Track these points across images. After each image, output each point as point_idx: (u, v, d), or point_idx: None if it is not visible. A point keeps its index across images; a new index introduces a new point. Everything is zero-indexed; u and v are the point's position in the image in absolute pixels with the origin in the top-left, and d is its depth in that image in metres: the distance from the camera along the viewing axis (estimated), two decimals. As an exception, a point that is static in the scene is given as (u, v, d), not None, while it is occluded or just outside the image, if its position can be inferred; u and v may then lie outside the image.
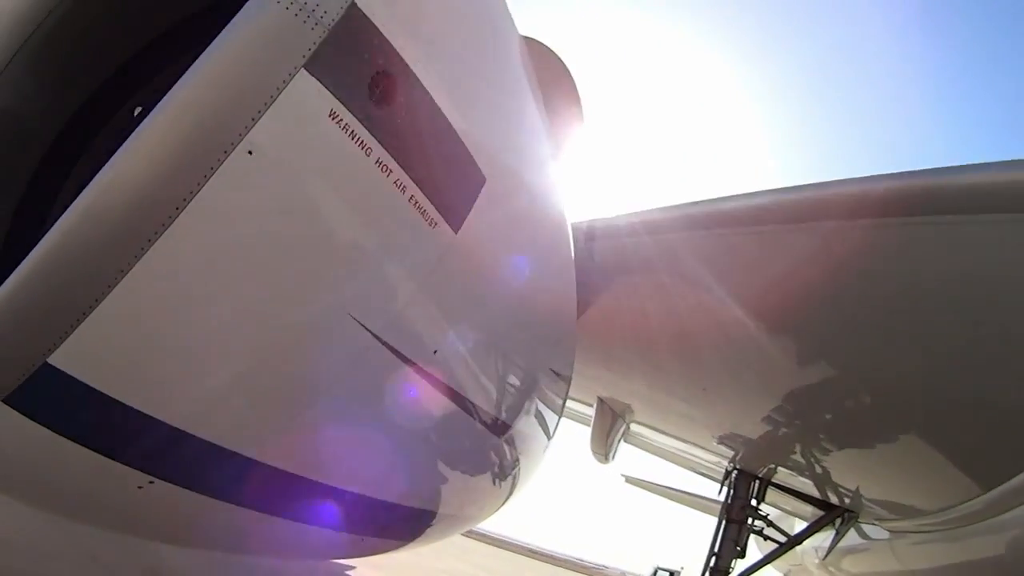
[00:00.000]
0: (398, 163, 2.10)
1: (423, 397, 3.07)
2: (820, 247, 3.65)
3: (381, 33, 2.00)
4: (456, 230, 2.41)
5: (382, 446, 3.14)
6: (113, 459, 2.07)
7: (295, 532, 3.48)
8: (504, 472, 4.87)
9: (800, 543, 7.56)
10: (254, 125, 1.76)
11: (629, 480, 16.49)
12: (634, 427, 7.38)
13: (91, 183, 1.69)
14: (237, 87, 1.76)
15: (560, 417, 5.45)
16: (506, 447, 4.48)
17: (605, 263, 4.93)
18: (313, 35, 1.83)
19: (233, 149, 1.74)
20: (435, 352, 2.81)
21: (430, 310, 2.61)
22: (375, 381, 2.68)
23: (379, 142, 2.04)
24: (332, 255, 2.16)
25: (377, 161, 2.05)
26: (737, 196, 4.09)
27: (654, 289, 4.91)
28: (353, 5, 1.91)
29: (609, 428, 6.78)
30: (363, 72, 1.98)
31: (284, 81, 1.80)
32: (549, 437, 5.37)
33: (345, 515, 3.45)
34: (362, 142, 1.99)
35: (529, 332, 3.83)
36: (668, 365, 5.40)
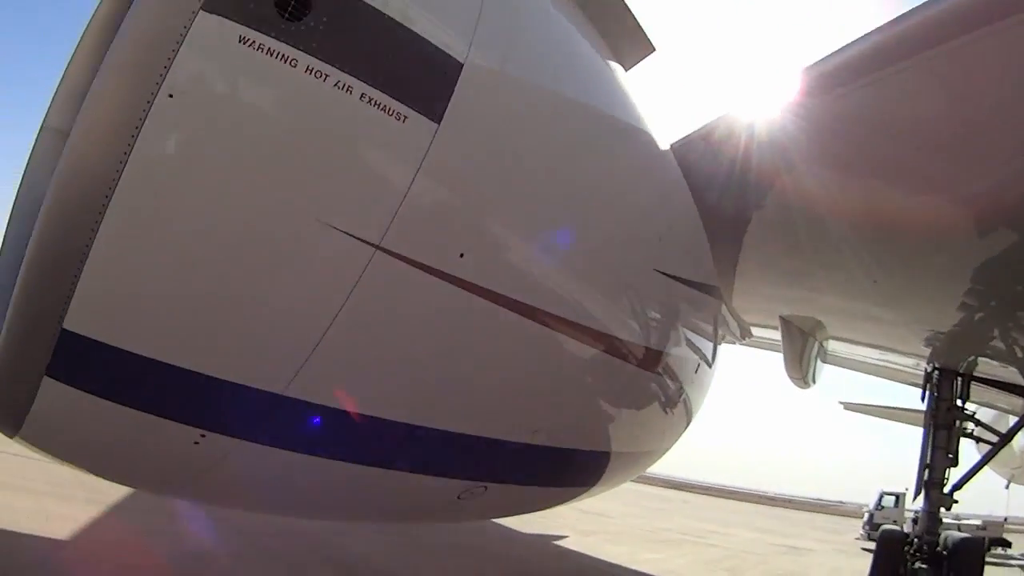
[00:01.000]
0: (341, 68, 2.14)
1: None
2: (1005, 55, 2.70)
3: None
4: (436, 121, 2.35)
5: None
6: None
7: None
8: (669, 403, 4.70)
9: (1012, 438, 6.63)
10: (167, 73, 1.95)
11: (847, 406, 16.75)
12: (828, 344, 6.66)
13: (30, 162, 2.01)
14: (145, 41, 1.96)
15: (716, 343, 5.17)
16: (664, 378, 4.33)
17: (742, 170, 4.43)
18: None
19: (155, 98, 1.94)
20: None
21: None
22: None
23: (312, 48, 2.10)
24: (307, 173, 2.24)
25: (308, 69, 2.10)
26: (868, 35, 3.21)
27: (809, 183, 4.24)
28: None
29: (801, 349, 6.06)
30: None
31: (190, 21, 1.96)
32: (709, 363, 5.09)
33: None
34: (285, 56, 2.06)
35: (648, 251, 3.65)
36: (843, 263, 4.67)
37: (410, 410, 2.83)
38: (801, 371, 6.09)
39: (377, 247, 2.32)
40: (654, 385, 4.26)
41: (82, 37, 2.56)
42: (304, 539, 5.85)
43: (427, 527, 7.02)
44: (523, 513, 5.86)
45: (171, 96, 1.97)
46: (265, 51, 2.05)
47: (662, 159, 3.72)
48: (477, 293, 2.63)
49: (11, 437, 2.41)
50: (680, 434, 5.31)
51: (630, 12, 3.73)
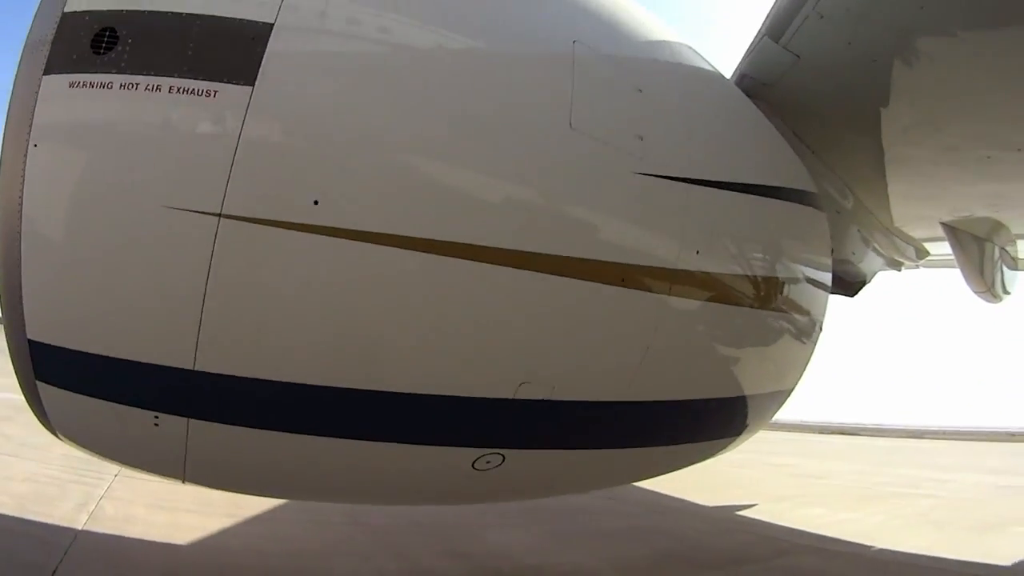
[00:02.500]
0: (147, 74, 2.54)
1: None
2: None
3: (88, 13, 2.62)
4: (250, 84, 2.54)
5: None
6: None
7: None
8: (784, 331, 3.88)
9: None
10: (31, 127, 2.59)
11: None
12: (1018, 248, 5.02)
13: None
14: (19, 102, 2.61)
15: (829, 257, 4.26)
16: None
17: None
18: (43, 53, 2.60)
19: (27, 146, 2.58)
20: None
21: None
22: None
23: (123, 69, 2.55)
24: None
25: (122, 85, 2.54)
26: None
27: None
28: (61, 17, 2.60)
29: (979, 257, 4.77)
30: (82, 47, 2.58)
31: (39, 86, 2.60)
32: (813, 280, 4.14)
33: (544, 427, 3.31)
34: (103, 83, 2.56)
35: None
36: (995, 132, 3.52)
37: (333, 372, 2.82)
38: (984, 283, 4.50)
39: (220, 215, 2.54)
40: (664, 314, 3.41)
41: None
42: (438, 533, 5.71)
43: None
44: (598, 485, 4.96)
45: (36, 146, 2.58)
46: (88, 85, 2.56)
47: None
48: (341, 236, 2.61)
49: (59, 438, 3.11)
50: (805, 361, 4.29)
51: None
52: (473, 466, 3.23)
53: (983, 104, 3.88)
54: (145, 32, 2.61)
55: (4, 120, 2.69)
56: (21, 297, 2.64)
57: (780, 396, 4.25)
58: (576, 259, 2.93)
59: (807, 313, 3.99)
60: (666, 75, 3.46)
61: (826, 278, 4.17)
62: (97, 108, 2.60)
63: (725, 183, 3.41)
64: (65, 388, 2.82)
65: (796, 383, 4.31)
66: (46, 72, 2.59)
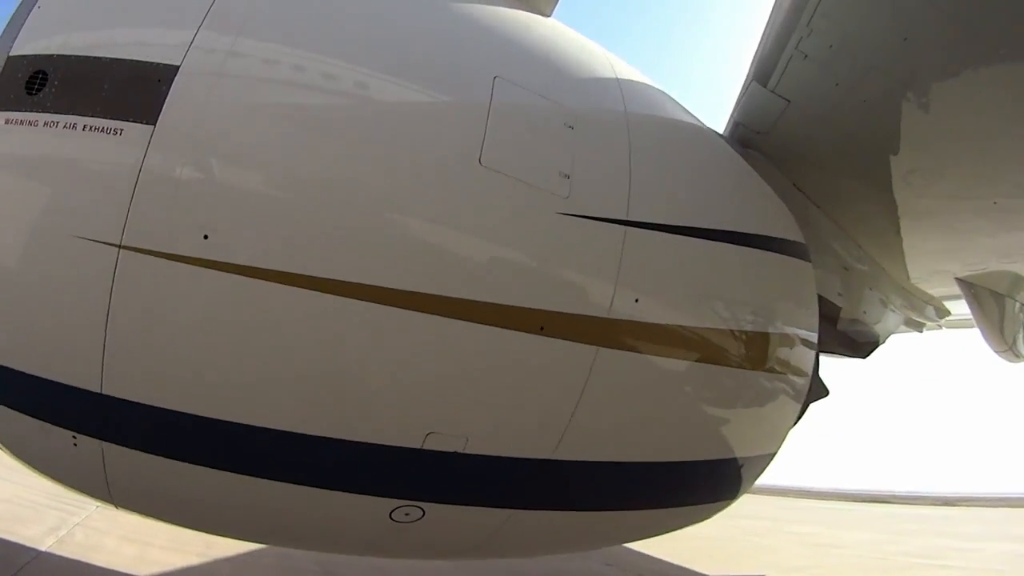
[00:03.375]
0: (66, 113, 2.67)
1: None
2: None
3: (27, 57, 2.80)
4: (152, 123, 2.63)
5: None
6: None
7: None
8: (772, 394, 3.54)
9: None
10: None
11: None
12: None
13: None
14: None
15: (815, 311, 3.87)
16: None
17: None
18: None
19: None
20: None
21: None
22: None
23: (47, 108, 2.69)
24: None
25: (45, 123, 2.67)
26: None
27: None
28: (6, 61, 2.78)
29: (998, 314, 4.55)
30: (18, 87, 2.75)
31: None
32: (811, 346, 3.83)
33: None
34: (30, 121, 2.71)
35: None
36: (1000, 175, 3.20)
37: (227, 407, 2.77)
38: (1005, 342, 3.94)
39: (120, 246, 2.60)
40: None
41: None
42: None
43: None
44: (539, 550, 4.53)
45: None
46: (18, 122, 2.72)
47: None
48: (230, 271, 2.61)
49: None
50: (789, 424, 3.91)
51: None
52: (391, 517, 3.07)
53: (984, 145, 3.47)
54: (68, 75, 2.76)
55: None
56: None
57: (754, 462, 3.83)
58: (485, 303, 2.78)
59: (783, 372, 3.60)
60: (603, 111, 3.28)
61: (809, 335, 3.76)
62: (24, 143, 2.74)
63: (671, 226, 3.16)
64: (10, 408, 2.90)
65: (774, 448, 3.88)
66: None
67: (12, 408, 2.90)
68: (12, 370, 2.79)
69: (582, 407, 2.99)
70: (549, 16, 3.51)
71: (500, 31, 3.24)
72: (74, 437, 2.83)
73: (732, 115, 3.97)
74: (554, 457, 3.06)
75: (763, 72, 3.68)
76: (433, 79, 2.95)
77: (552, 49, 3.30)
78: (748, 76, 3.80)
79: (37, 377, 2.77)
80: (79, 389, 2.72)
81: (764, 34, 3.73)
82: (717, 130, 3.91)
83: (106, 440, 2.83)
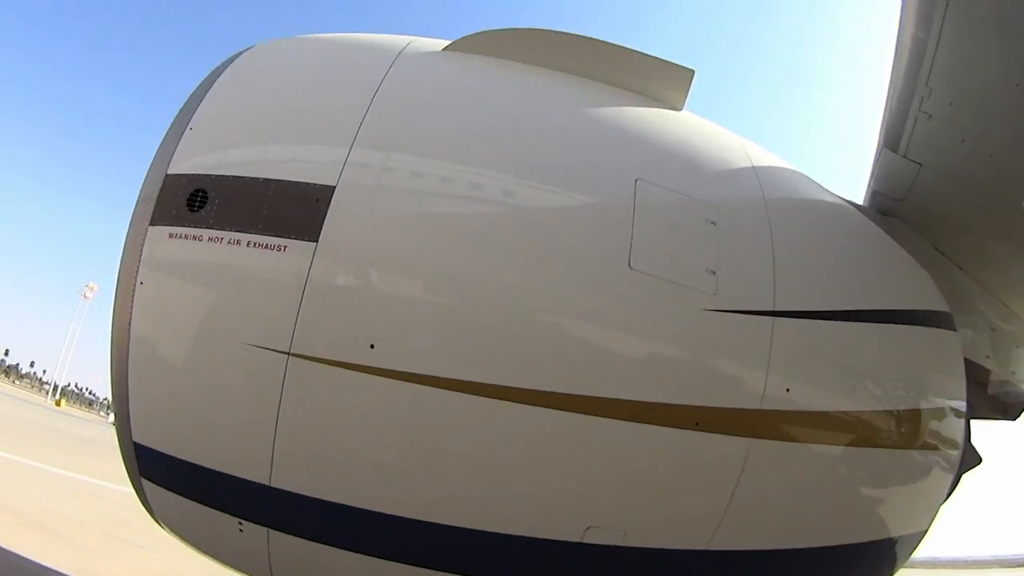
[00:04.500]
0: (230, 230, 2.83)
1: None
2: None
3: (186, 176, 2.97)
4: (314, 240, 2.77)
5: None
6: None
7: None
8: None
9: None
10: (139, 268, 2.93)
11: None
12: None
13: None
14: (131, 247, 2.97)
15: (962, 379, 3.63)
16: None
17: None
18: (149, 206, 2.97)
19: (135, 285, 2.91)
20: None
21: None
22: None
23: (211, 225, 2.86)
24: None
25: (210, 239, 2.84)
26: None
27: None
28: (164, 179, 2.98)
29: None
30: (179, 204, 2.93)
31: (145, 234, 2.94)
32: (962, 415, 3.62)
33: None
34: (195, 236, 2.86)
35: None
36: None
37: (393, 502, 2.87)
38: None
39: (288, 353, 2.74)
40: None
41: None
42: None
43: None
44: None
45: (142, 283, 2.93)
46: (182, 236, 2.89)
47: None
48: (395, 378, 2.70)
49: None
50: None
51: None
52: None
53: None
54: (228, 194, 2.92)
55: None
56: (128, 406, 3.00)
57: (908, 540, 3.67)
58: (642, 403, 2.77)
59: (934, 445, 3.44)
60: (743, 202, 3.23)
61: (959, 404, 3.58)
62: (190, 256, 2.90)
63: (819, 312, 3.09)
64: (164, 486, 3.13)
65: (927, 524, 3.70)
66: (151, 223, 2.96)
67: (182, 495, 3.08)
68: (185, 462, 2.96)
69: (737, 498, 2.94)
70: (681, 110, 3.51)
71: (637, 132, 3.26)
72: (240, 524, 2.99)
73: (869, 184, 3.86)
74: (710, 548, 3.02)
75: (892, 138, 3.58)
76: (578, 185, 2.98)
77: (687, 144, 3.31)
78: (879, 143, 3.68)
79: (209, 469, 2.93)
80: (249, 481, 2.88)
81: (887, 99, 3.61)
82: (855, 201, 3.79)
83: (272, 528, 2.98)
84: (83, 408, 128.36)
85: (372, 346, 2.71)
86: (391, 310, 2.77)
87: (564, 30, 3.44)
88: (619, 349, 2.82)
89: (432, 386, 2.71)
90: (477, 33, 3.42)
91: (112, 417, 3.35)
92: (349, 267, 2.80)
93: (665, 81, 3.44)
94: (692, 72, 3.45)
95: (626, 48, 3.42)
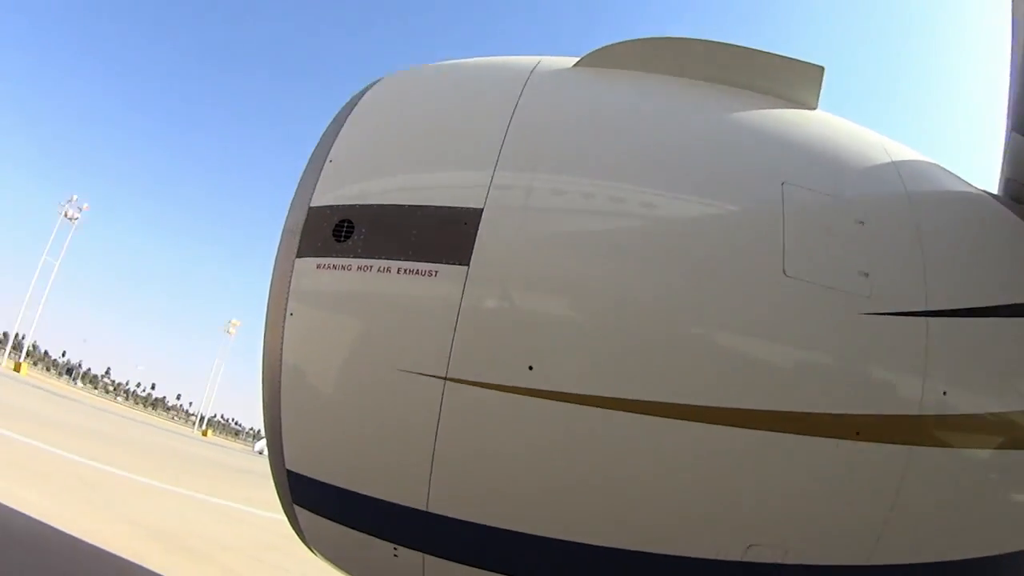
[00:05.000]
0: (379, 257, 2.88)
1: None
2: None
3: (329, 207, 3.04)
4: (465, 264, 2.80)
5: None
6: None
7: None
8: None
9: None
10: (288, 299, 2.99)
11: None
12: None
13: None
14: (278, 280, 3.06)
15: None
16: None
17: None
18: (295, 239, 3.05)
19: (285, 316, 2.98)
20: None
21: None
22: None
23: (358, 254, 2.92)
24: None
25: (358, 267, 2.89)
26: None
27: None
28: (308, 212, 3.05)
29: None
30: (325, 235, 2.99)
31: (292, 267, 3.02)
32: None
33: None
34: (343, 265, 2.92)
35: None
36: None
37: (548, 524, 2.86)
38: None
39: (445, 379, 2.76)
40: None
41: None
42: None
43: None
44: None
45: (292, 314, 2.99)
46: (330, 267, 2.95)
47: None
48: (554, 399, 2.70)
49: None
50: None
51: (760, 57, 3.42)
52: None
53: None
54: (375, 222, 2.98)
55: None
56: (281, 435, 3.06)
57: None
58: (803, 414, 2.71)
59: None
60: (888, 199, 3.16)
61: None
62: (339, 286, 2.95)
63: (970, 309, 3.00)
64: (316, 513, 3.17)
65: None
66: (298, 255, 3.02)
67: (334, 521, 3.12)
68: (338, 488, 3.00)
69: (897, 509, 2.86)
70: (816, 108, 3.46)
71: (777, 134, 3.21)
72: (395, 549, 3.02)
73: (1001, 171, 3.74)
74: (870, 563, 2.93)
75: (1020, 122, 3.48)
76: (725, 193, 2.95)
77: (828, 143, 3.25)
78: (1007, 127, 3.58)
79: (362, 495, 2.97)
80: (404, 507, 2.90)
81: (1010, 84, 3.52)
82: (989, 190, 3.69)
83: (428, 553, 2.99)
84: (229, 437, 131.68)
85: (531, 367, 2.70)
86: (548, 330, 2.77)
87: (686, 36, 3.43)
88: (778, 359, 2.77)
89: (592, 405, 2.69)
90: (604, 47, 3.44)
91: (258, 446, 3.43)
92: (502, 288, 2.81)
93: (797, 80, 3.39)
94: (822, 69, 3.38)
95: (756, 50, 3.39)
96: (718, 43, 3.40)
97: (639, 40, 3.43)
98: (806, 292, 2.77)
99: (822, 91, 3.40)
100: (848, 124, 3.50)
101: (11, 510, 6.07)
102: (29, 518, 6.03)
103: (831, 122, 3.43)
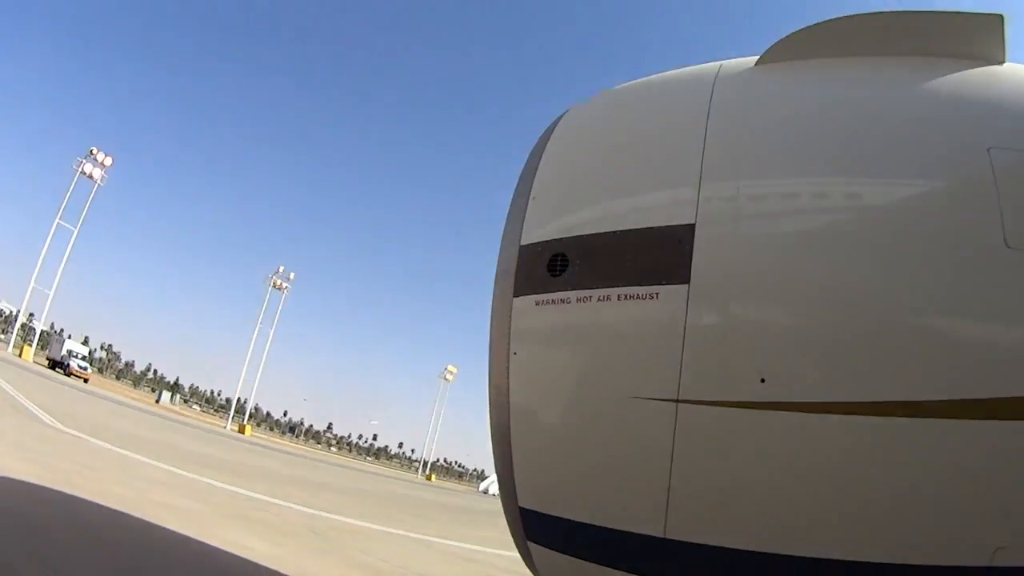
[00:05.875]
0: (597, 287, 3.01)
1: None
2: None
3: (540, 243, 3.20)
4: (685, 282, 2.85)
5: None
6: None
7: None
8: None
9: None
10: (510, 339, 3.19)
11: None
12: None
13: None
14: (498, 321, 3.25)
15: None
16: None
17: None
18: (510, 279, 3.25)
19: (509, 356, 3.18)
20: None
21: None
22: None
23: (576, 286, 3.06)
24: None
25: (577, 299, 3.04)
26: None
27: None
28: (519, 250, 3.23)
29: None
30: (540, 271, 3.17)
31: (511, 307, 3.21)
32: None
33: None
34: (562, 299, 3.08)
35: None
36: None
37: (794, 541, 2.83)
38: None
39: (677, 401, 2.84)
40: None
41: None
42: None
43: None
44: None
45: (515, 354, 3.19)
46: (549, 302, 3.10)
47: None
48: (788, 409, 2.70)
49: None
50: None
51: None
52: None
53: None
54: (588, 252, 3.09)
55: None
56: (513, 473, 3.21)
57: None
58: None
59: None
60: None
61: None
62: (560, 320, 3.10)
63: None
64: (550, 547, 3.30)
65: None
66: (515, 295, 3.20)
67: (569, 554, 3.21)
68: (572, 521, 3.11)
69: None
70: (1004, 62, 3.22)
71: (971, 98, 3.05)
72: None
73: None
74: None
75: None
76: (931, 171, 2.86)
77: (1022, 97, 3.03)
78: None
79: (598, 526, 3.05)
80: (642, 535, 2.94)
81: None
82: None
83: None
84: (454, 480, 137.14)
85: (763, 380, 2.70)
86: (776, 339, 2.76)
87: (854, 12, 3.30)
88: (1017, 343, 2.64)
89: (831, 412, 2.66)
90: (781, 42, 3.38)
91: (482, 485, 3.62)
92: (724, 302, 2.84)
93: (978, 36, 3.18)
94: (1001, 17, 3.14)
95: (930, 12, 3.22)
96: (889, 13, 3.26)
97: (813, 27, 3.34)
98: None
99: (1007, 42, 3.15)
100: None
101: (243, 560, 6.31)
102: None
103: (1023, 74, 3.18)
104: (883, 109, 3.09)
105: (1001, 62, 3.20)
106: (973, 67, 3.17)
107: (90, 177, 59.60)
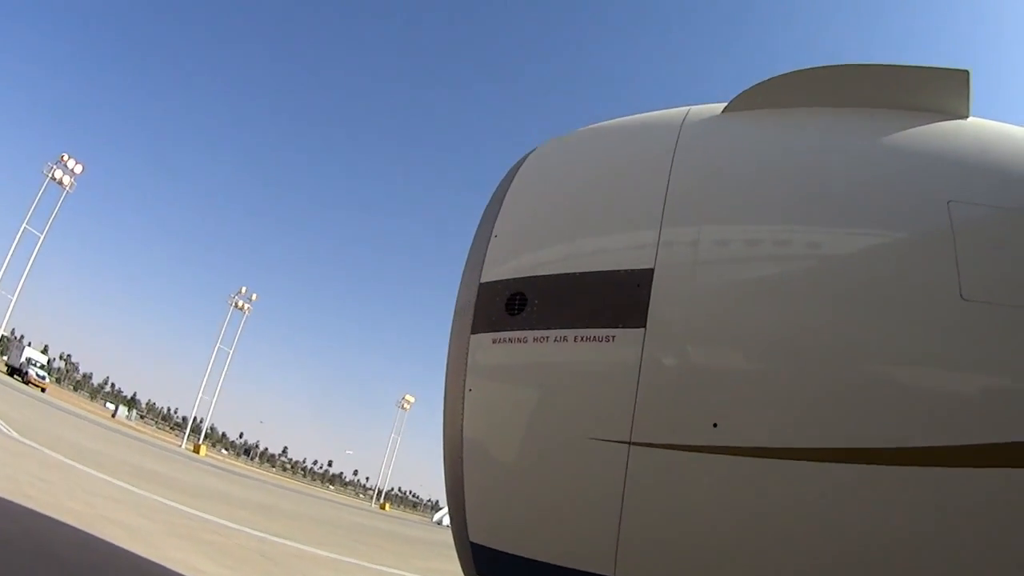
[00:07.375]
0: (554, 327, 3.00)
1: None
2: None
3: (500, 282, 3.20)
4: (642, 325, 2.85)
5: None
6: None
7: None
8: None
9: None
10: (466, 375, 3.16)
11: None
12: None
13: None
14: (455, 359, 3.23)
15: None
16: None
17: None
18: (468, 316, 3.23)
19: (464, 392, 3.14)
20: None
21: None
22: None
23: (533, 325, 3.05)
24: None
25: (534, 339, 3.03)
26: None
27: None
28: (479, 288, 3.23)
29: None
30: (498, 309, 3.15)
31: (468, 343, 3.19)
32: None
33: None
34: (519, 338, 3.07)
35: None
36: None
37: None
38: None
39: (629, 443, 2.82)
40: None
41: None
42: None
43: None
44: None
45: (471, 390, 3.16)
46: (506, 340, 3.09)
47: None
48: (745, 455, 2.69)
49: None
50: None
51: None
52: None
53: None
54: (546, 292, 3.10)
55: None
56: (464, 508, 3.18)
57: None
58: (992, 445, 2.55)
59: None
60: None
61: None
62: (516, 358, 3.09)
63: None
64: None
65: None
66: (473, 331, 3.19)
67: None
68: (522, 558, 3.07)
69: None
70: (968, 117, 3.26)
71: (934, 151, 3.10)
72: None
73: None
74: None
75: None
76: (890, 223, 2.88)
77: (987, 152, 3.10)
78: None
79: (548, 564, 3.01)
80: (592, 574, 2.90)
81: None
82: None
83: None
84: (408, 510, 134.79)
85: (715, 424, 2.71)
86: (729, 384, 2.77)
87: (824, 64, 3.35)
88: (971, 389, 2.67)
89: (783, 458, 2.65)
90: (748, 90, 3.41)
91: (436, 516, 3.58)
92: (680, 347, 2.85)
93: (943, 90, 3.24)
94: (967, 73, 3.20)
95: (898, 65, 3.27)
96: (857, 65, 3.32)
97: (782, 76, 3.39)
98: (987, 316, 2.64)
99: (971, 97, 3.22)
100: (1005, 128, 3.31)
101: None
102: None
103: (986, 129, 3.26)
104: (846, 159, 3.14)
105: (965, 116, 3.27)
106: (937, 120, 3.24)
107: (60, 183, 58.55)
